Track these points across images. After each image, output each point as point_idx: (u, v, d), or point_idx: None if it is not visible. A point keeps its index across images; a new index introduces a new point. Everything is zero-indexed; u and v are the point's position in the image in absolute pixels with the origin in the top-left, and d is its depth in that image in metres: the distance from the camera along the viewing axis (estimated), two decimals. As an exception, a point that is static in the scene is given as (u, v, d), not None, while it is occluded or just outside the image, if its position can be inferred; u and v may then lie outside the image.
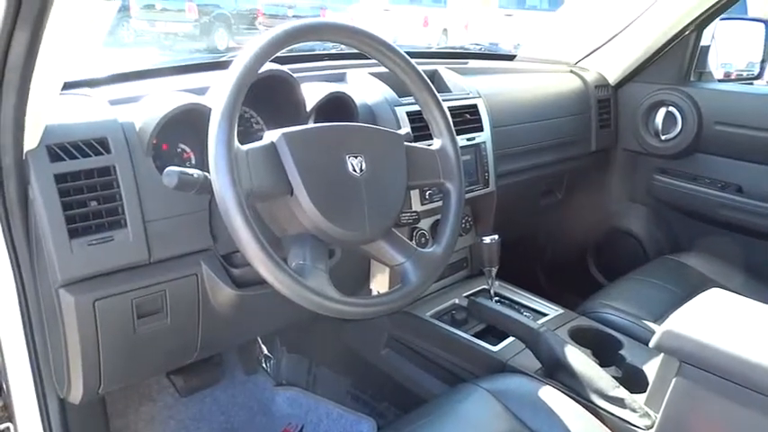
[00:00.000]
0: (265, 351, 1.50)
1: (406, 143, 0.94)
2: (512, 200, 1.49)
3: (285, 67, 1.01)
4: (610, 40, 1.74)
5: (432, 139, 1.01)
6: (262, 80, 0.81)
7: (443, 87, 1.38)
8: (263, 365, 1.50)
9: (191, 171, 0.77)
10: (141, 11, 7.47)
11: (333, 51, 1.36)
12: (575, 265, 1.96)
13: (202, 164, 0.96)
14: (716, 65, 1.79)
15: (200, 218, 0.92)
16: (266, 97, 0.97)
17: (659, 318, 1.29)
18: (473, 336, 1.23)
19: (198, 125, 0.87)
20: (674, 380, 0.91)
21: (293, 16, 7.75)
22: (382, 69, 1.24)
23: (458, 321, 1.28)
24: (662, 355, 0.94)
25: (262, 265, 0.75)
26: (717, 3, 1.54)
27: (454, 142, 0.98)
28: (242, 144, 0.77)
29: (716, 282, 1.46)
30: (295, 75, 1.02)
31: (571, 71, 1.75)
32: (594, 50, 1.78)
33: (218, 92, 0.77)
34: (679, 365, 0.91)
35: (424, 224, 1.28)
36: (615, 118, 1.79)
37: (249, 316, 1.06)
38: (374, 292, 1.20)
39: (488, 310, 1.23)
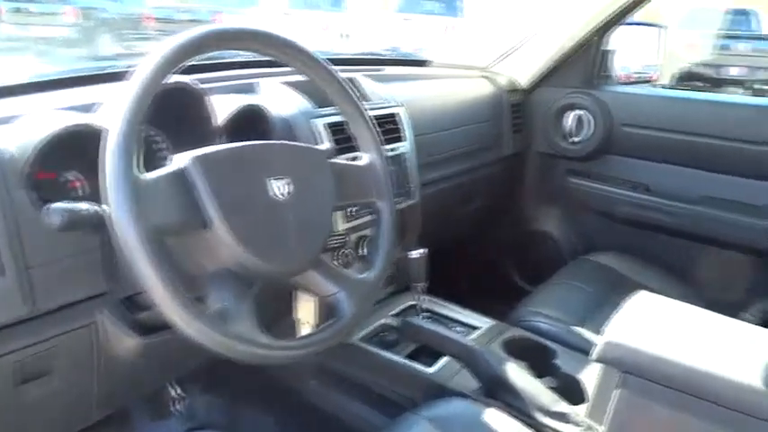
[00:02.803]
0: (178, 391, 1.36)
1: (331, 160, 0.85)
2: (434, 210, 1.44)
3: (189, 78, 0.89)
4: (520, 46, 1.75)
5: (354, 151, 0.93)
6: (163, 93, 0.70)
7: (362, 96, 1.31)
8: (175, 408, 1.35)
9: (80, 206, 0.65)
10: (10, 13, 6.77)
11: (240, 59, 1.24)
12: (497, 273, 1.96)
13: (94, 195, 0.82)
14: (618, 68, 1.85)
15: (94, 258, 0.78)
16: (168, 113, 0.85)
17: (587, 321, 1.29)
18: (406, 358, 1.17)
19: (88, 149, 0.73)
20: (617, 391, 0.90)
21: (191, 21, 7.36)
22: (296, 78, 1.16)
23: (389, 343, 1.21)
24: (598, 363, 0.92)
25: (176, 314, 0.64)
26: (618, 9, 1.58)
27: (383, 157, 0.91)
28: (145, 171, 0.65)
29: (632, 280, 1.49)
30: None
31: (484, 76, 1.74)
32: (505, 55, 1.78)
33: (113, 108, 0.65)
34: (621, 376, 0.89)
35: (349, 242, 1.20)
36: (528, 122, 1.80)
37: (158, 363, 0.93)
38: (301, 324, 1.10)
39: (422, 330, 1.18)
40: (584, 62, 1.72)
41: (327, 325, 0.80)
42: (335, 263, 1.11)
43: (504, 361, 1.08)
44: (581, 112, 1.73)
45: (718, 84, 8.71)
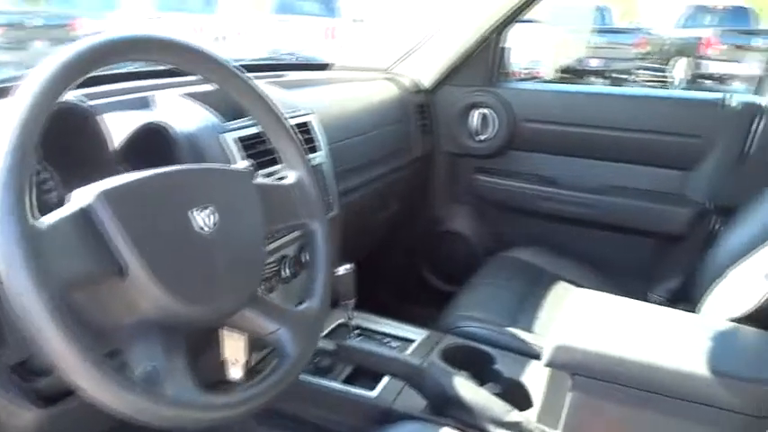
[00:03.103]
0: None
1: (255, 181, 0.76)
2: (352, 220, 1.38)
3: (74, 94, 0.76)
4: (420, 46, 1.72)
5: (272, 166, 0.84)
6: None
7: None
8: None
9: None
10: None
11: (128, 70, 1.09)
12: (417, 277, 1.93)
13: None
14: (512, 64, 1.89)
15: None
16: (53, 140, 0.71)
17: (517, 320, 1.28)
18: (344, 383, 1.09)
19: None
20: (569, 394, 0.88)
21: (44, 27, 6.67)
22: (196, 89, 1.04)
23: (323, 369, 1.13)
24: (538, 364, 0.91)
25: (92, 383, 0.52)
26: (516, 6, 1.60)
27: (311, 172, 0.83)
28: (38, 215, 0.52)
29: (550, 272, 1.52)
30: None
31: (387, 78, 1.69)
32: (406, 56, 1.75)
33: None
34: (573, 379, 0.88)
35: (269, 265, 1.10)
36: (434, 122, 1.79)
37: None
38: (230, 364, 0.99)
39: (358, 352, 1.10)
40: (484, 60, 1.73)
41: (274, 370, 0.70)
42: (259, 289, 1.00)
43: (448, 374, 1.03)
44: (485, 111, 1.74)
45: (581, 75, 9.46)
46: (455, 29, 1.66)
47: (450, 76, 1.75)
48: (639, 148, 1.60)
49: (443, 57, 1.72)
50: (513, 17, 1.65)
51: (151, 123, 0.87)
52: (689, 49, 10.41)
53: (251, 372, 0.96)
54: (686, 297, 1.54)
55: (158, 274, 0.58)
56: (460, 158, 1.83)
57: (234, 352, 0.97)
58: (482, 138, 1.76)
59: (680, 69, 10.65)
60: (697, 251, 1.52)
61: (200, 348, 1.00)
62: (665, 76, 11.08)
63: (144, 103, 0.99)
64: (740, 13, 11.79)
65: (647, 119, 1.58)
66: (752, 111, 1.46)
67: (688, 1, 13.47)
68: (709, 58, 10.07)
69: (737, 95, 1.49)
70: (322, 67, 1.70)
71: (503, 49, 1.75)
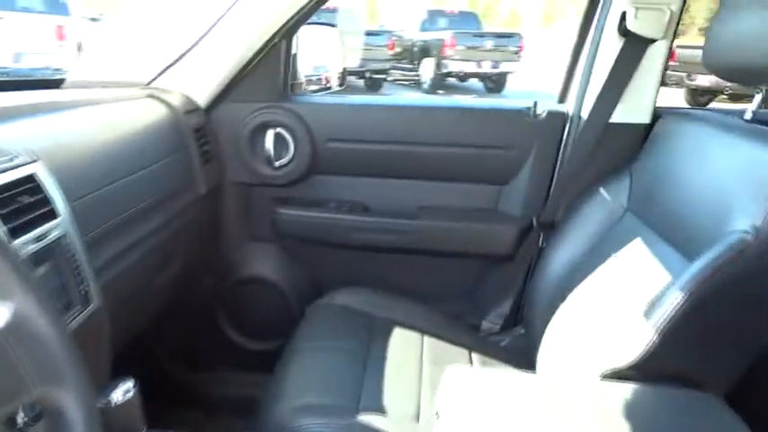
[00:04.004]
0: None
1: None
2: (124, 298, 0.98)
3: None
4: (187, 53, 1.34)
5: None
6: None
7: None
8: None
9: None
10: None
11: None
12: (223, 344, 1.55)
13: None
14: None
15: None
16: None
17: (368, 398, 1.03)
18: None
19: None
20: None
21: None
22: None
23: None
24: None
25: None
26: (305, 7, 1.32)
27: (40, 300, 0.46)
28: None
29: (379, 317, 1.30)
30: None
31: (149, 95, 1.28)
32: (170, 66, 1.36)
33: None
34: None
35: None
36: (216, 148, 1.43)
37: None
38: None
39: None
40: (272, 70, 1.43)
41: None
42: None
43: None
44: (279, 130, 1.44)
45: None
46: (232, 31, 1.32)
47: (231, 89, 1.41)
48: (453, 163, 1.46)
49: (218, 67, 1.37)
50: (304, 19, 1.37)
51: None
52: (433, 50, 11.35)
53: None
54: (520, 321, 1.45)
55: None
56: (255, 189, 1.51)
57: None
58: (280, 164, 1.46)
59: (428, 68, 11.56)
60: (524, 271, 1.44)
61: None
62: (417, 75, 11.94)
63: None
64: (468, 16, 13.30)
65: (457, 131, 1.44)
66: (560, 120, 1.41)
67: (425, 5, 14.76)
68: (450, 58, 11.09)
69: (543, 104, 1.43)
70: (51, 83, 1.22)
71: (294, 55, 1.47)
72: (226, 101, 1.42)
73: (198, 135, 1.34)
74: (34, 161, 0.80)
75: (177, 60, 1.35)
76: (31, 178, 0.78)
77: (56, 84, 1.23)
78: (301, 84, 1.53)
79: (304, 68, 1.60)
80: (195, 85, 1.38)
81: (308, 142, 1.44)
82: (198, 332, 1.56)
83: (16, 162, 0.78)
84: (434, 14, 12.82)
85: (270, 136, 1.44)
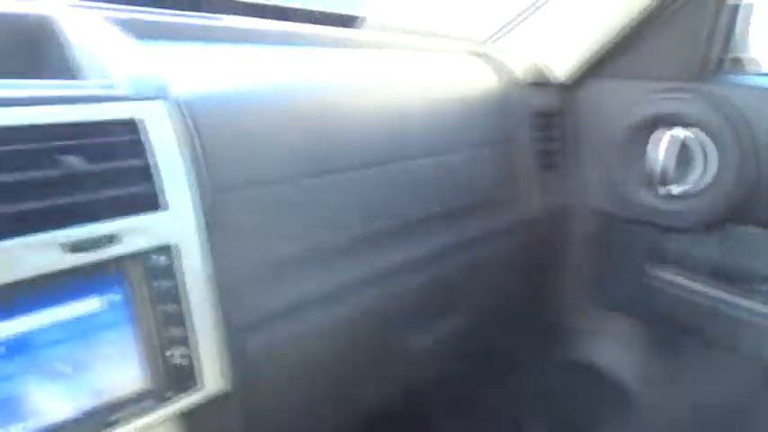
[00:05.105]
0: None
1: None
2: (323, 370, 0.54)
3: None
4: (544, 3, 0.85)
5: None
6: None
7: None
8: None
9: None
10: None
11: None
12: None
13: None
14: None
15: None
16: None
17: None
18: None
19: None
20: None
21: None
22: None
23: None
24: None
25: None
26: None
27: None
28: None
29: None
30: None
31: (478, 54, 0.83)
32: (521, 21, 0.89)
33: None
34: None
35: None
36: (571, 148, 0.89)
37: None
38: None
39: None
40: (688, 28, 0.81)
41: None
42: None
43: None
44: (684, 132, 0.81)
45: None
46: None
47: (610, 59, 0.86)
48: None
49: (596, 27, 0.83)
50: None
51: None
52: None
53: None
54: None
55: None
56: (621, 226, 0.91)
57: None
58: (677, 190, 0.83)
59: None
60: None
61: None
62: None
63: None
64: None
65: None
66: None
67: None
68: None
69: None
70: (347, 20, 0.87)
71: (734, 7, 0.82)
72: (598, 75, 0.87)
73: (541, 122, 0.83)
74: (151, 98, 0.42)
75: (528, 13, 0.86)
76: (133, 124, 0.40)
77: (352, 20, 0.87)
78: (740, 59, 0.86)
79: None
80: (553, 51, 0.87)
81: (743, 158, 0.77)
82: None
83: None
84: None
85: (666, 140, 0.82)
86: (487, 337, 0.86)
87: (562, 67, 0.88)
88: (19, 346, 0.36)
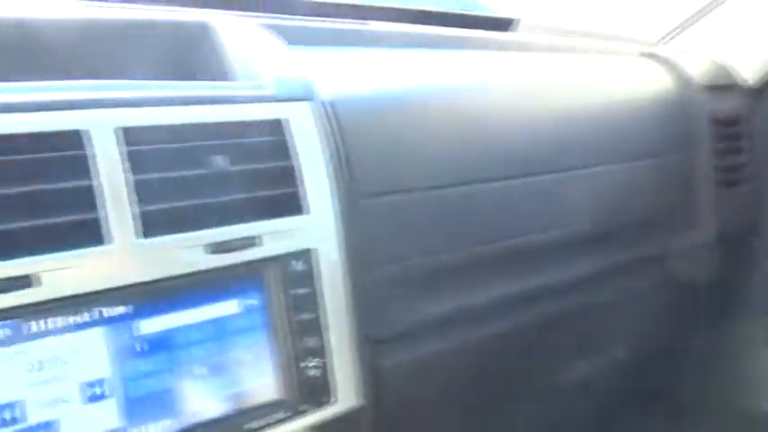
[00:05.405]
0: None
1: None
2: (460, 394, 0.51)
3: None
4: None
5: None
6: None
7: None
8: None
9: None
10: None
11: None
12: None
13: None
14: None
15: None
16: None
17: None
18: None
19: None
20: None
21: None
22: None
23: None
24: None
25: None
26: None
27: None
28: None
29: None
30: None
31: (650, 56, 0.75)
32: (697, 19, 0.79)
33: None
34: None
35: None
36: (760, 160, 0.77)
37: None
38: None
39: None
40: None
41: None
42: None
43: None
44: None
45: None
46: None
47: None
48: None
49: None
50: None
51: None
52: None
53: None
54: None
55: None
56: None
57: None
58: None
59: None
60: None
61: None
62: None
63: None
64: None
65: None
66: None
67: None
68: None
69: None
70: (501, 23, 0.82)
71: None
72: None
73: (722, 130, 0.72)
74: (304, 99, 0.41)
75: (708, 8, 0.76)
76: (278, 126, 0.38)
77: (506, 24, 0.82)
78: None
79: None
80: (736, 48, 0.76)
81: None
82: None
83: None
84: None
85: None
86: (649, 374, 0.75)
87: (749, 67, 0.76)
88: (160, 344, 0.36)
